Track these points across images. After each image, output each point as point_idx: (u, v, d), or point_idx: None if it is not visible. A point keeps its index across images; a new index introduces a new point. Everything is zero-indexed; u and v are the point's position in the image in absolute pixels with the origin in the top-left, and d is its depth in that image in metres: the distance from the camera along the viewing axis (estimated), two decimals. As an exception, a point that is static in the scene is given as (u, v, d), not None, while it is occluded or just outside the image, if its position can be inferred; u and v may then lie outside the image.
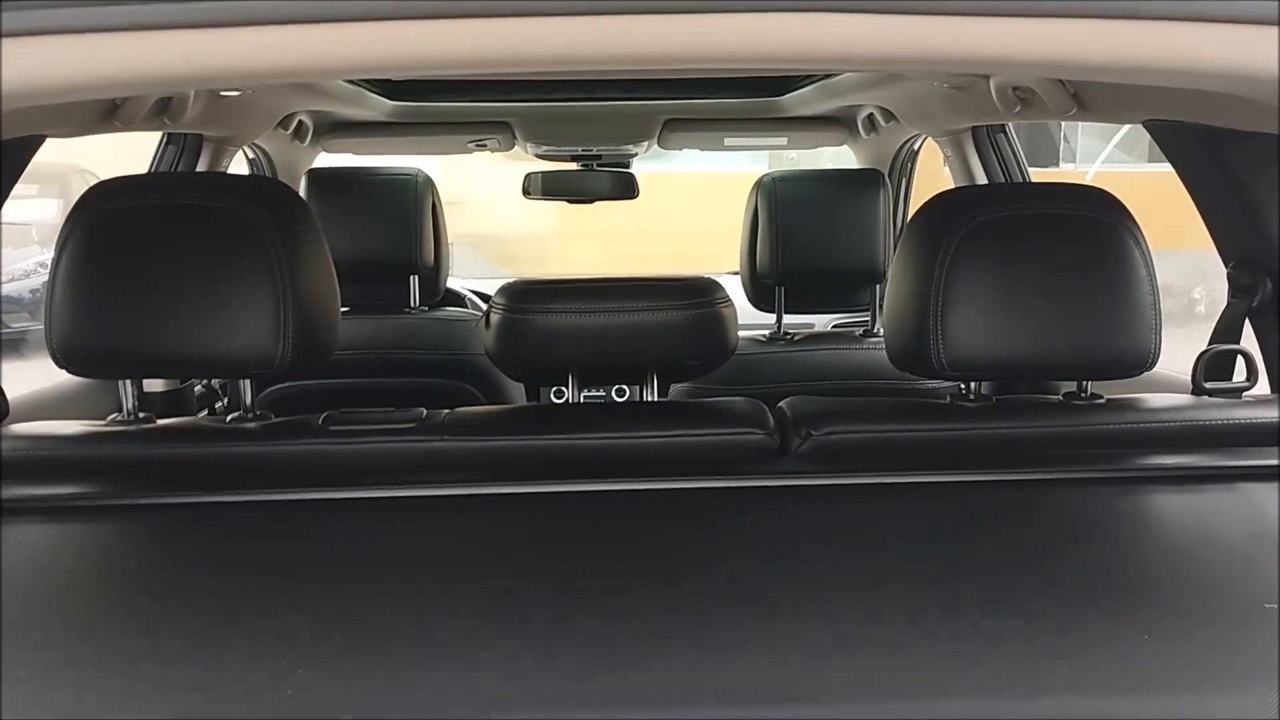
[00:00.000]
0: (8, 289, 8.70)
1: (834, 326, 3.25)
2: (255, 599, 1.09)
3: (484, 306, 2.91)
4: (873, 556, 1.21)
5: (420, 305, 2.79)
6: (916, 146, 3.22)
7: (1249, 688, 0.90)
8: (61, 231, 1.41)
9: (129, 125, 1.83)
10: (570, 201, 3.67)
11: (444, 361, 2.67)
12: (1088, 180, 1.51)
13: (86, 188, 1.43)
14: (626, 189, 3.54)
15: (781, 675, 0.93)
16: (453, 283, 3.31)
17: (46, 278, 1.42)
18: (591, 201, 3.65)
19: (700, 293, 1.60)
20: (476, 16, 0.83)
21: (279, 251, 1.38)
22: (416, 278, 2.77)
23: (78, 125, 1.72)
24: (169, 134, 2.46)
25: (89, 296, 1.39)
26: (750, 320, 2.71)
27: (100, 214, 1.42)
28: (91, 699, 0.91)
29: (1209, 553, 1.25)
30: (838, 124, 3.23)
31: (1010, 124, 2.69)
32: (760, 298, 2.75)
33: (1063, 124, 10.56)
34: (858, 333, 2.75)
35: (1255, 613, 1.03)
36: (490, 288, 3.01)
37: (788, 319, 2.75)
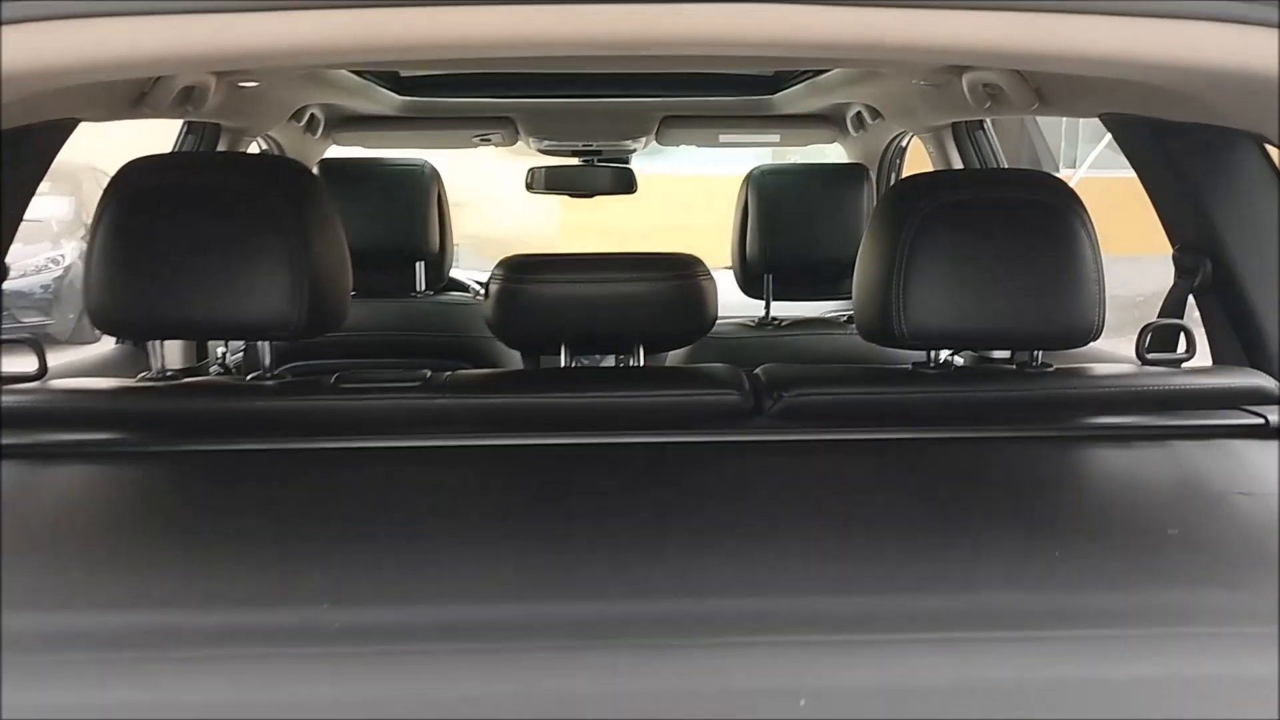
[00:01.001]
0: (20, 284, 8.82)
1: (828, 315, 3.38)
2: (272, 535, 1.22)
3: None
4: (836, 502, 1.34)
5: (425, 290, 2.93)
6: (904, 143, 3.35)
7: (1157, 589, 1.04)
8: (98, 207, 1.55)
9: (156, 112, 1.97)
10: (571, 195, 3.81)
11: (447, 343, 2.80)
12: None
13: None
14: (625, 184, 3.67)
15: (747, 602, 1.05)
16: (456, 272, 3.44)
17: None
18: (591, 195, 3.78)
19: (682, 266, 1.73)
20: (471, 4, 0.97)
21: (294, 224, 1.51)
22: (422, 264, 2.91)
23: (109, 110, 1.85)
24: (189, 123, 2.60)
25: (123, 265, 1.53)
26: (742, 311, 2.85)
27: (132, 191, 1.56)
28: (116, 618, 1.03)
29: (1140, 499, 1.38)
30: (828, 121, 3.36)
31: (989, 122, 2.82)
32: (750, 285, 2.89)
33: (1065, 129, 10.69)
34: (842, 319, 2.88)
35: (1168, 541, 1.17)
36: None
37: (776, 306, 2.88)
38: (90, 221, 1.56)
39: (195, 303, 1.53)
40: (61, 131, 1.77)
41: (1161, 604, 1.02)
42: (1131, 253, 3.84)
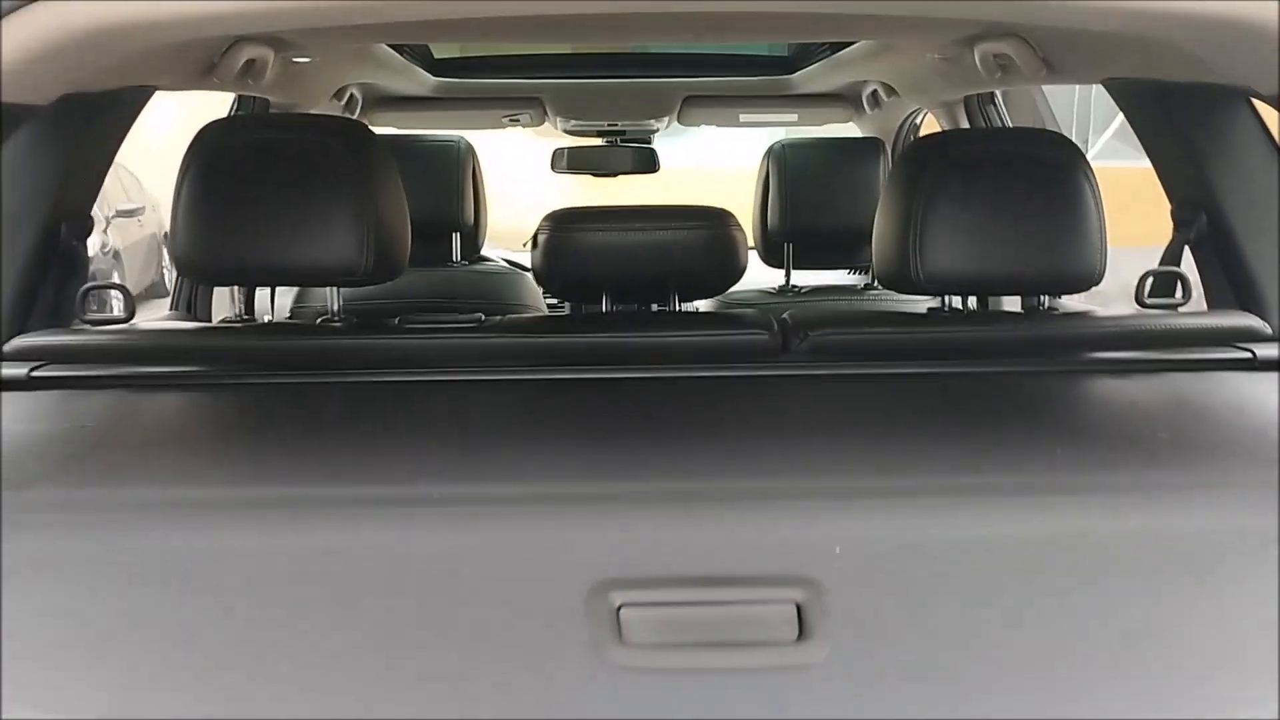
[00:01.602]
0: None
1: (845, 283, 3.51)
2: (344, 446, 1.36)
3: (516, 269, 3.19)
4: (857, 419, 1.48)
5: (461, 260, 3.08)
6: (918, 121, 3.48)
7: (1149, 468, 1.18)
8: (181, 165, 1.69)
9: (222, 83, 2.12)
10: (595, 174, 3.95)
11: (482, 309, 2.94)
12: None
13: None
14: (647, 163, 3.81)
15: (774, 517, 1.17)
16: (486, 251, 3.59)
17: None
18: (614, 175, 3.92)
19: (715, 217, 1.87)
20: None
21: (360, 178, 1.66)
22: (459, 235, 3.05)
23: (182, 78, 2.00)
24: (240, 98, 2.74)
25: (206, 217, 1.67)
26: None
27: (213, 149, 1.70)
28: (195, 517, 1.16)
29: (1135, 415, 1.52)
30: (844, 100, 3.49)
31: (999, 96, 2.95)
32: (770, 254, 3.02)
33: (1077, 118, 10.77)
34: (859, 286, 3.02)
35: (1164, 450, 1.31)
36: (521, 258, 3.31)
37: (796, 276, 3.02)
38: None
39: (271, 252, 1.67)
40: (140, 97, 1.92)
41: (1153, 478, 1.15)
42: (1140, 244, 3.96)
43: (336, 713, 0.86)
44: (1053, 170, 1.73)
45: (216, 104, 2.55)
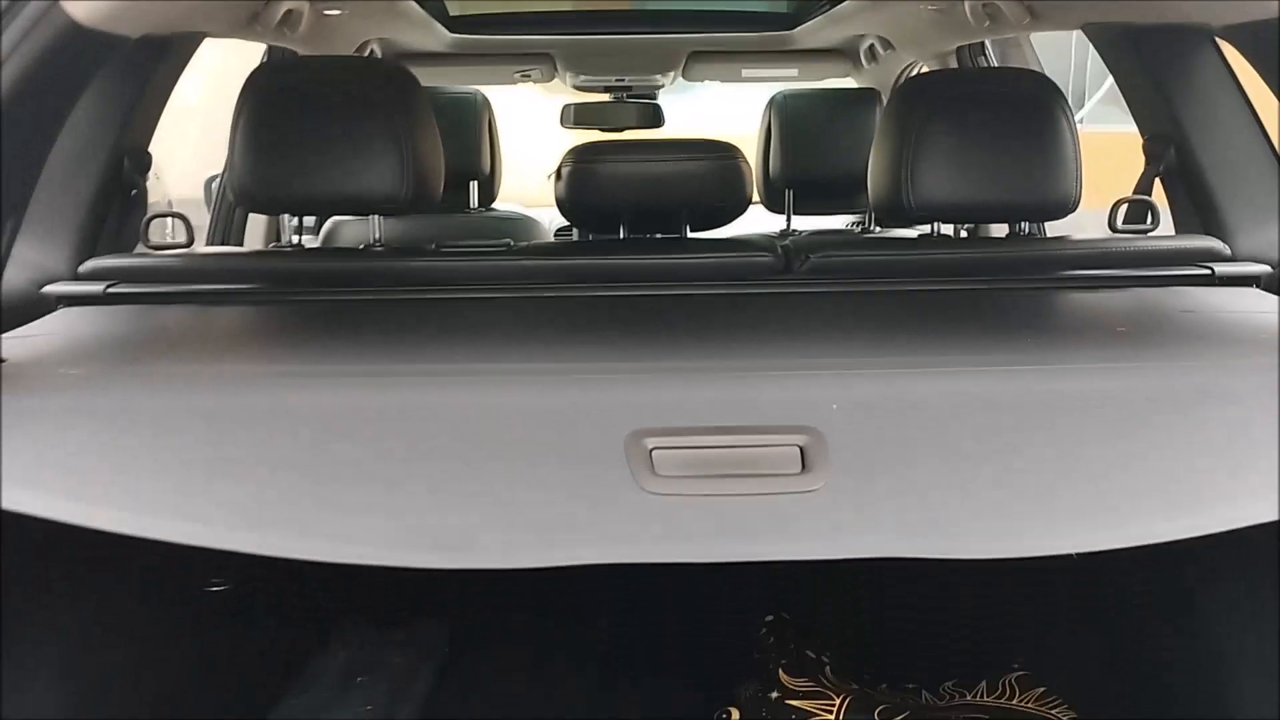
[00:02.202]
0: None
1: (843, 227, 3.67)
2: (404, 341, 1.53)
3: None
4: (854, 326, 1.65)
5: (478, 206, 3.24)
6: (913, 74, 3.63)
7: (1113, 343, 1.33)
8: (237, 106, 1.85)
9: (264, 33, 2.28)
10: (601, 130, 4.10)
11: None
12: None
13: None
14: (652, 119, 3.96)
15: (781, 382, 1.33)
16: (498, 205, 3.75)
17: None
18: (621, 130, 4.07)
19: (722, 149, 2.04)
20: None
21: (400, 117, 1.82)
22: (476, 182, 3.22)
23: (228, 26, 2.16)
24: (270, 48, 2.90)
25: (259, 152, 1.84)
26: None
27: (267, 90, 1.86)
28: (245, 407, 1.30)
29: (1103, 316, 1.69)
30: (842, 55, 3.64)
31: (990, 48, 3.10)
32: (772, 200, 3.19)
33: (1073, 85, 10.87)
34: (856, 230, 3.19)
35: (1122, 337, 1.49)
36: (532, 213, 3.48)
37: (796, 221, 3.18)
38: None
39: (319, 183, 1.84)
40: (191, 45, 2.08)
41: (1110, 354, 1.33)
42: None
43: (416, 526, 1.03)
44: (1032, 106, 1.90)
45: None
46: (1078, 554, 2.00)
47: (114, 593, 1.72)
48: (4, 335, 1.42)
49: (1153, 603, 1.79)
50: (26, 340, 1.50)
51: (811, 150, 3.07)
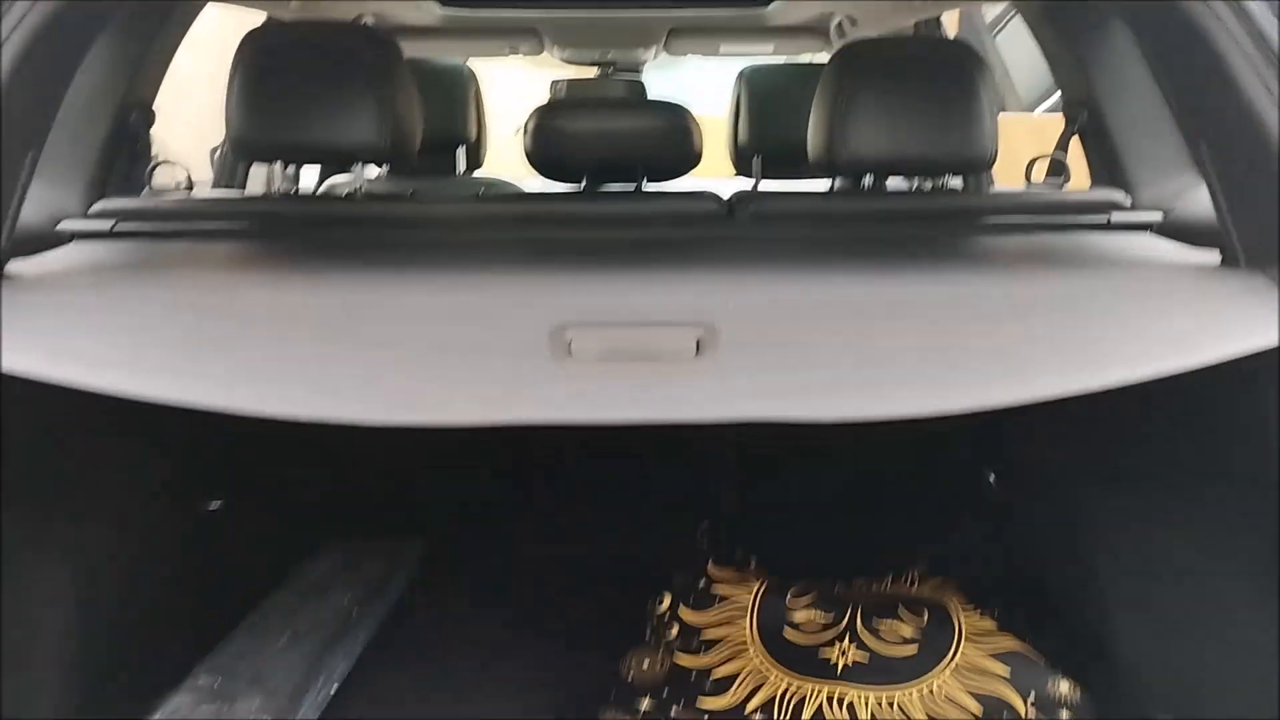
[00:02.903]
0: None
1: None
2: (368, 274, 1.72)
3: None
4: (761, 258, 1.84)
5: (465, 171, 3.44)
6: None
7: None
8: (233, 63, 2.05)
9: (261, 4, 2.48)
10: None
11: None
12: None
13: None
14: (636, 96, 4.16)
15: (685, 285, 1.51)
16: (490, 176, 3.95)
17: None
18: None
19: (674, 109, 2.23)
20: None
21: (382, 77, 2.02)
22: (463, 148, 3.41)
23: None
24: (269, 18, 3.10)
25: (253, 105, 2.03)
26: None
27: (261, 49, 2.06)
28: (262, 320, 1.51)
29: (1004, 257, 1.89)
30: (814, 32, 3.83)
31: (945, 26, 3.29)
32: (741, 165, 3.38)
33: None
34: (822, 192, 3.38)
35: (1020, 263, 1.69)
36: (521, 185, 3.69)
37: (763, 185, 3.37)
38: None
39: (308, 133, 2.03)
40: (194, 10, 2.29)
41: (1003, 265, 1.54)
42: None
43: (376, 390, 1.23)
44: (953, 72, 2.09)
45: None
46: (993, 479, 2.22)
47: (123, 498, 1.94)
48: (22, 259, 1.62)
49: (1038, 508, 2.01)
50: (43, 259, 1.71)
51: (776, 118, 3.26)
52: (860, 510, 2.31)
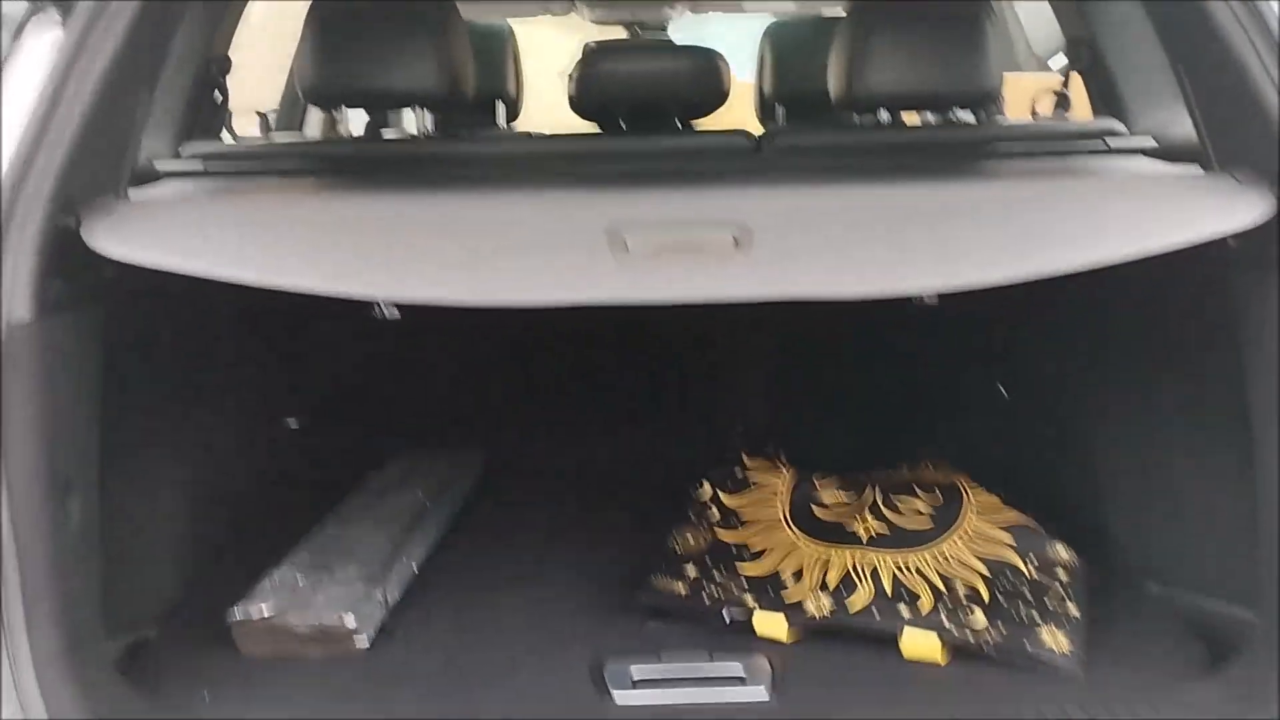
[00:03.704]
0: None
1: None
2: (441, 201, 1.94)
3: None
4: (790, 175, 2.04)
5: (506, 123, 3.65)
6: None
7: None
8: (307, 18, 2.26)
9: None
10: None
11: None
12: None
13: None
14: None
15: (724, 193, 1.72)
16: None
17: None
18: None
19: (704, 50, 2.45)
20: None
21: (437, 29, 2.23)
22: (502, 102, 3.63)
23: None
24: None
25: (324, 57, 2.25)
26: None
27: (329, 7, 2.27)
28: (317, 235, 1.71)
29: (1012, 173, 2.09)
30: None
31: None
32: (765, 115, 3.58)
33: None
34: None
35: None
36: None
37: None
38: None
39: (370, 81, 2.25)
40: None
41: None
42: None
43: (456, 276, 1.45)
44: (962, 14, 2.28)
45: None
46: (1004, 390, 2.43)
47: (218, 413, 2.17)
48: (136, 189, 1.85)
49: (1042, 409, 2.22)
50: (151, 188, 1.94)
51: (798, 71, 3.45)
52: (878, 422, 2.52)
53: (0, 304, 1.39)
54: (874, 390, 2.57)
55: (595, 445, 2.55)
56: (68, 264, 1.47)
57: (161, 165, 2.20)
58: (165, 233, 1.54)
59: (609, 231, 1.49)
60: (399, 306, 2.57)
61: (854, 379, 2.60)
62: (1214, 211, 1.51)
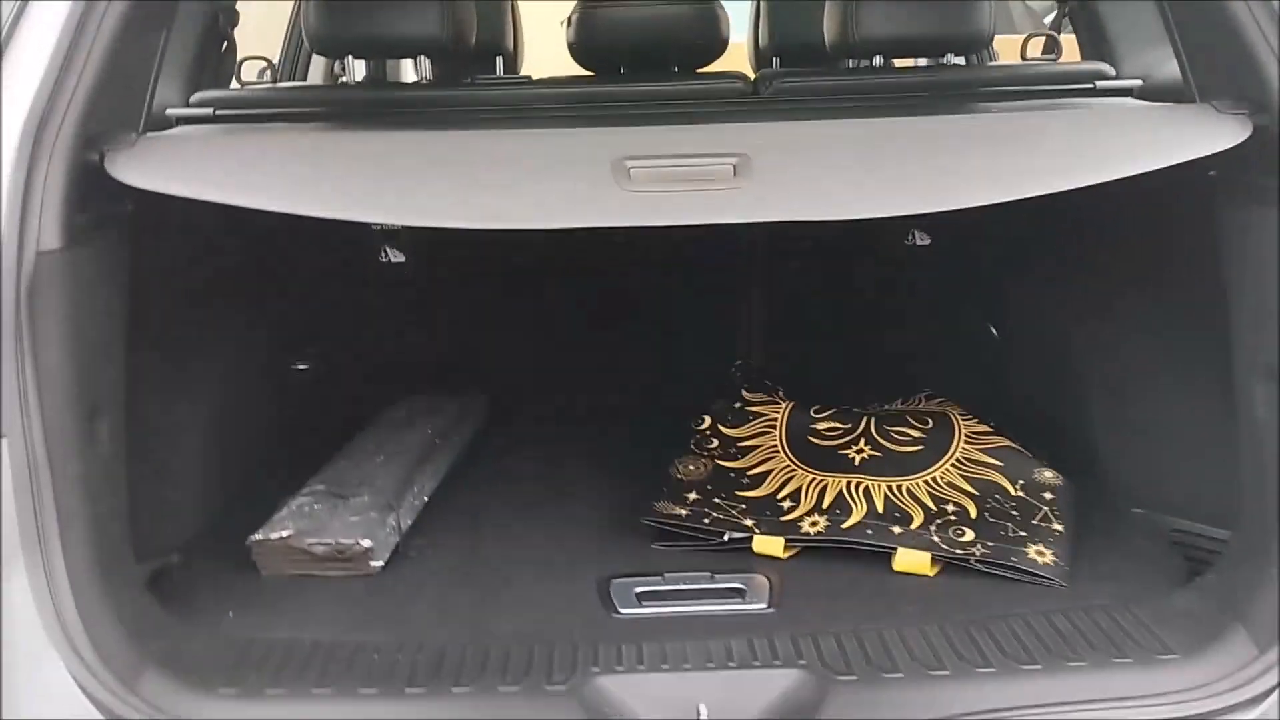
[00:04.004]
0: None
1: None
2: (451, 139, 1.99)
3: None
4: (784, 112, 2.10)
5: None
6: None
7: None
8: None
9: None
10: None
11: None
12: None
13: None
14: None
15: (724, 127, 1.78)
16: None
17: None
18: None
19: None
20: None
21: None
22: (500, 56, 3.67)
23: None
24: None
25: (330, 6, 2.30)
26: None
27: None
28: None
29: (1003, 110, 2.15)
30: None
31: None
32: (761, 66, 3.63)
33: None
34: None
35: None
36: None
37: None
38: None
39: (379, 27, 2.30)
40: None
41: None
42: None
43: (464, 202, 1.51)
44: None
45: None
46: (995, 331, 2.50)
47: (232, 355, 2.24)
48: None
49: (1032, 347, 2.29)
50: (167, 132, 2.00)
51: (792, 25, 3.50)
52: (874, 360, 2.60)
53: (30, 234, 1.45)
54: (870, 330, 2.65)
55: (600, 386, 2.62)
56: (93, 197, 1.53)
57: (174, 112, 2.26)
58: (184, 164, 1.60)
59: (613, 163, 1.55)
60: (403, 252, 2.64)
61: (851, 319, 2.67)
62: (1192, 137, 1.57)
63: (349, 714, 1.46)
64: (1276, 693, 1.43)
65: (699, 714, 1.42)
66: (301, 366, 2.65)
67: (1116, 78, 2.31)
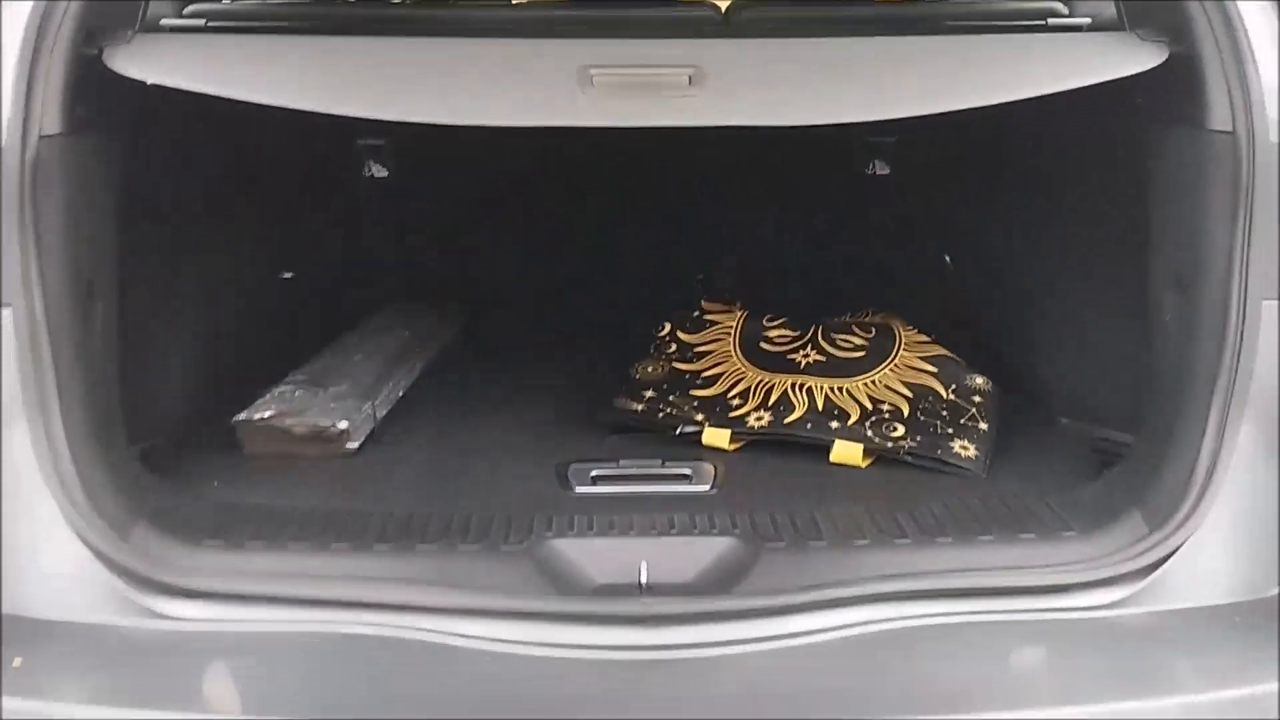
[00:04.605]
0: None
1: None
2: (428, 46, 2.10)
3: None
4: (768, 44, 2.22)
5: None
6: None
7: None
8: None
9: None
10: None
11: None
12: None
13: None
14: None
15: (681, 49, 1.90)
16: None
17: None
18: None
19: None
20: None
21: None
22: None
23: None
24: None
25: None
26: None
27: None
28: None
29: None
30: None
31: None
32: None
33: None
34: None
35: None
36: None
37: None
38: None
39: None
40: None
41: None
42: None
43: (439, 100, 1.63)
44: None
45: None
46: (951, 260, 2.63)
47: (223, 263, 2.37)
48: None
49: (980, 274, 2.42)
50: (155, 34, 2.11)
51: None
52: (831, 282, 2.74)
53: (35, 118, 1.57)
54: (829, 252, 2.78)
55: (569, 298, 2.76)
56: (91, 88, 1.65)
57: (168, 22, 2.36)
58: (177, 59, 1.72)
59: (578, 70, 1.67)
60: (387, 167, 2.76)
61: (811, 243, 2.80)
62: (1115, 60, 1.71)
63: (322, 564, 1.60)
64: (1165, 565, 1.58)
65: (640, 573, 1.56)
66: (288, 275, 2.78)
67: (1070, 16, 2.43)
